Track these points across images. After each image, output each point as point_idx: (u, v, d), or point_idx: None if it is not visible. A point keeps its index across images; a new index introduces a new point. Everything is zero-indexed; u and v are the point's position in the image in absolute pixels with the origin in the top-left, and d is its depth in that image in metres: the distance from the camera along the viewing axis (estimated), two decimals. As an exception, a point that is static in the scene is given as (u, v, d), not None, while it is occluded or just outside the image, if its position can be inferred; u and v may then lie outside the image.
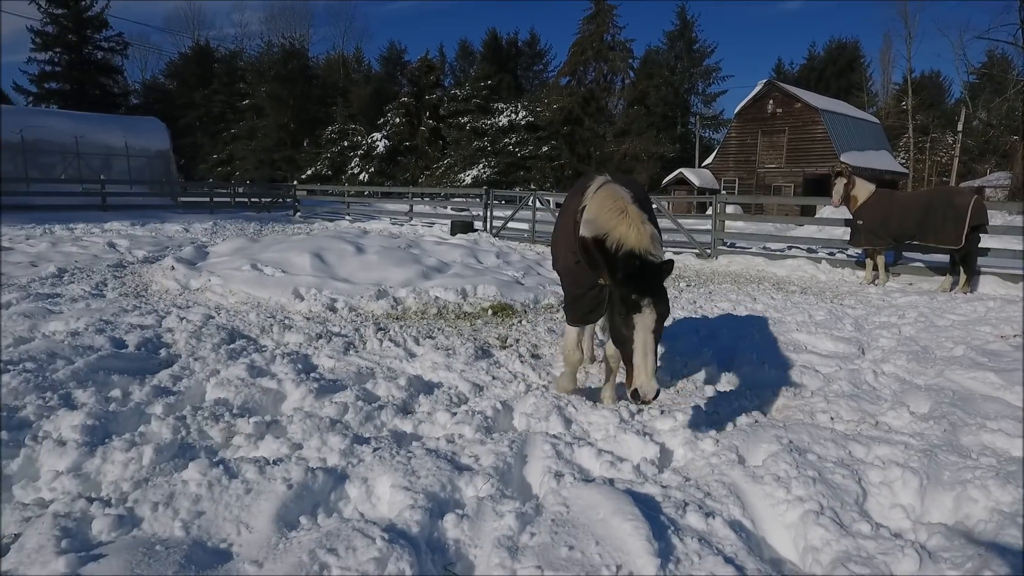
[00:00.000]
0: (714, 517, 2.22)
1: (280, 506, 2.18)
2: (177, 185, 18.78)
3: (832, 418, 3.38)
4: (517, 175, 54.26)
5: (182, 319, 4.93)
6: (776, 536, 2.26)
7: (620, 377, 3.34)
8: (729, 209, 26.22)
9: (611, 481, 2.47)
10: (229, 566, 1.88)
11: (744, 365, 4.25)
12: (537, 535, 2.04)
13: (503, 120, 54.97)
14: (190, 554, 1.88)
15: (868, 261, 9.34)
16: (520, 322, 5.80)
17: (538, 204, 14.20)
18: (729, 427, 3.18)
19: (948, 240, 8.30)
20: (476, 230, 15.04)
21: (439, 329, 5.32)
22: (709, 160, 29.66)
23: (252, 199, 20.71)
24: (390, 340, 4.71)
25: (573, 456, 2.74)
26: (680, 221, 12.10)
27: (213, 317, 5.24)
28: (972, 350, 4.93)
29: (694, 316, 6.28)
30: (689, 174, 27.78)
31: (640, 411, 3.35)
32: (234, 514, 2.13)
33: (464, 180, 54.38)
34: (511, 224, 14.91)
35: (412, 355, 4.38)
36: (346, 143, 65.49)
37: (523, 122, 54.55)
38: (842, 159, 24.51)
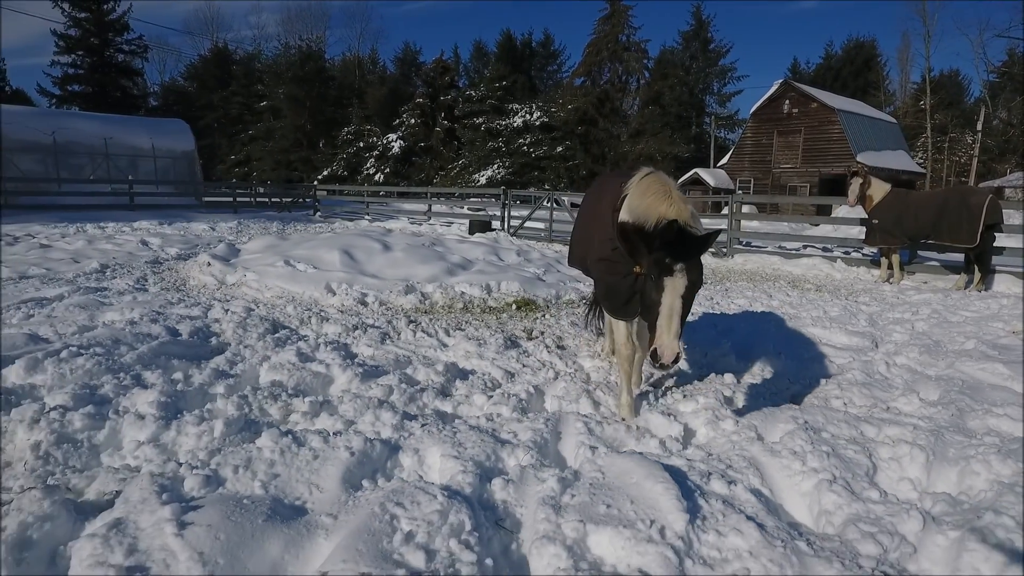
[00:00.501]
0: (736, 484, 2.45)
1: (345, 470, 2.44)
2: (201, 185, 19.22)
3: (845, 403, 3.58)
4: (531, 175, 54.45)
5: (226, 311, 5.23)
6: (792, 502, 2.48)
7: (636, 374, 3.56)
8: (745, 208, 26.30)
9: (640, 454, 2.70)
10: (307, 519, 2.13)
11: (761, 356, 4.46)
12: (577, 496, 2.28)
13: (518, 121, 55.19)
14: (273, 507, 2.14)
15: (883, 260, 9.48)
16: (544, 316, 6.04)
17: (555, 204, 14.41)
18: (746, 407, 3.40)
19: (963, 239, 8.42)
20: (494, 229, 15.29)
21: (467, 322, 5.57)
22: (724, 160, 29.69)
23: (272, 199, 21.13)
24: (423, 331, 4.97)
25: (603, 433, 2.98)
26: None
27: (253, 309, 5.53)
28: (983, 344, 5.09)
29: (712, 312, 6.48)
30: (704, 174, 27.84)
31: (664, 395, 3.58)
32: (305, 477, 2.39)
33: (479, 180, 54.67)
34: (528, 224, 15.15)
35: (445, 345, 4.63)
36: (362, 144, 66.04)
37: (538, 123, 54.74)
38: (858, 159, 24.48)
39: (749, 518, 2.18)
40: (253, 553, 1.91)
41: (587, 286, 7.68)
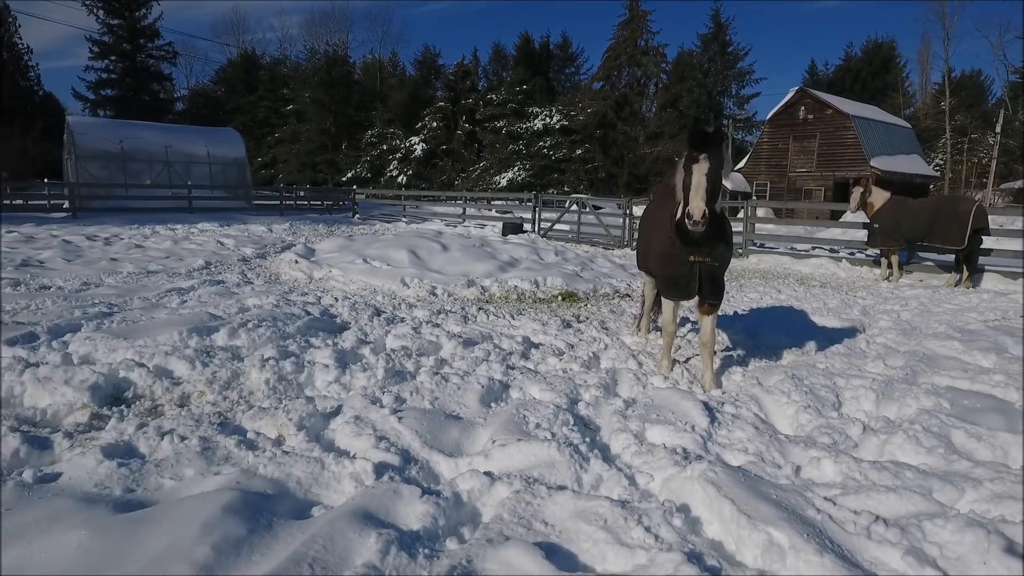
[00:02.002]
0: (740, 407, 3.64)
1: (480, 396, 3.67)
2: (251, 189, 20.68)
3: (827, 366, 4.75)
4: (551, 177, 55.59)
5: (335, 299, 6.51)
6: (779, 420, 3.66)
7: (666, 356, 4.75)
8: (760, 212, 27.23)
9: (676, 389, 3.90)
10: (466, 420, 3.37)
11: (766, 334, 5.63)
12: (635, 411, 3.49)
13: (538, 124, 56.36)
14: (443, 415, 3.38)
15: (883, 260, 10.55)
16: (586, 305, 7.25)
17: (581, 208, 15.58)
18: (752, 367, 4.59)
19: (953, 241, 9.48)
20: (525, 231, 16.52)
21: (524, 310, 6.80)
22: (741, 164, 30.65)
23: (313, 202, 22.58)
24: (493, 315, 6.20)
25: (647, 380, 4.18)
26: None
27: (349, 298, 6.81)
28: (952, 329, 6.22)
29: (728, 302, 7.64)
30: (721, 178, 28.86)
31: (689, 360, 4.77)
32: (455, 399, 3.63)
33: (500, 183, 55.94)
34: (556, 226, 16.35)
35: (514, 325, 5.86)
36: (385, 146, 67.63)
37: (557, 126, 55.88)
38: (872, 163, 25.34)
39: (749, 424, 3.39)
40: (445, 434, 3.15)
41: (618, 281, 8.87)
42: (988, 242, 10.05)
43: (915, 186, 29.84)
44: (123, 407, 3.46)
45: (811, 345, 5.38)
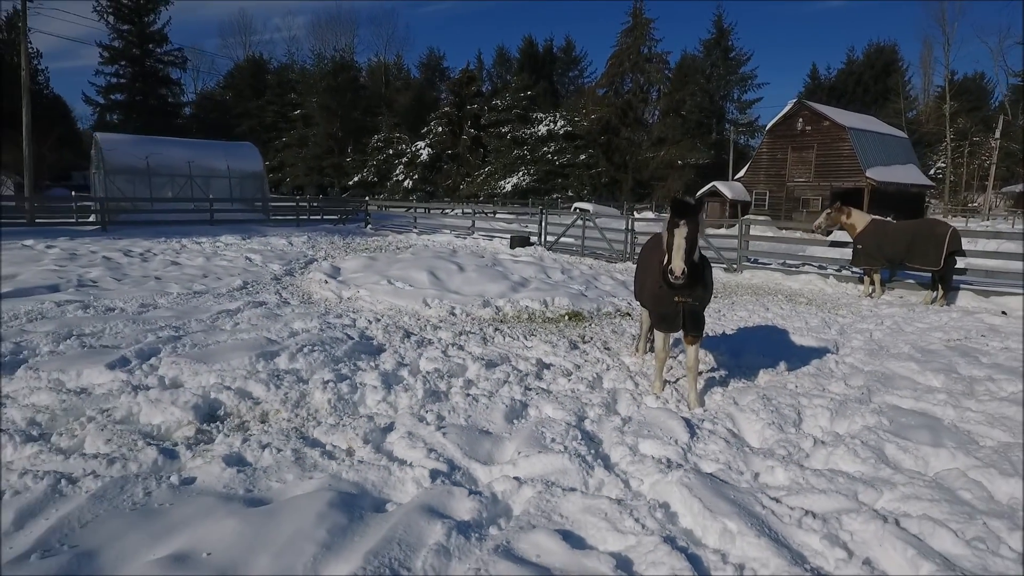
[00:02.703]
0: (717, 424, 4.47)
1: (504, 415, 4.50)
2: (269, 202, 21.58)
3: (796, 386, 5.57)
4: (555, 182, 56.45)
5: (368, 322, 7.36)
6: (748, 435, 4.49)
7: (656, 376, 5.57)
8: (754, 231, 27.94)
9: (664, 409, 4.73)
10: (495, 435, 4.20)
11: (748, 354, 6.45)
12: (631, 427, 4.33)
13: (542, 129, 57.23)
14: (476, 430, 4.21)
15: (866, 278, 11.36)
16: (590, 325, 8.08)
17: (588, 224, 16.41)
18: (731, 387, 5.42)
19: (930, 263, 10.28)
20: (532, 244, 17.36)
21: (536, 330, 7.63)
22: (741, 173, 31.44)
23: (327, 213, 23.48)
24: (508, 336, 7.04)
25: (642, 400, 5.01)
26: (712, 239, 14.17)
27: (380, 319, 7.65)
28: (915, 349, 7.04)
29: (718, 322, 8.46)
30: (722, 187, 29.62)
31: (677, 380, 5.59)
32: (484, 416, 4.46)
33: (504, 187, 56.82)
34: (562, 239, 17.18)
35: (528, 346, 6.69)
36: (391, 151, 68.56)
37: (561, 131, 56.73)
38: (868, 174, 26.11)
39: (722, 438, 4.22)
40: (479, 446, 3.99)
41: (619, 300, 9.70)
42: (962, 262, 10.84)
43: (911, 195, 30.60)
44: (218, 423, 4.31)
45: (785, 366, 6.20)
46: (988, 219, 53.39)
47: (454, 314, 8.35)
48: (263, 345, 5.87)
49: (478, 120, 64.21)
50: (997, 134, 55.84)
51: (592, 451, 3.97)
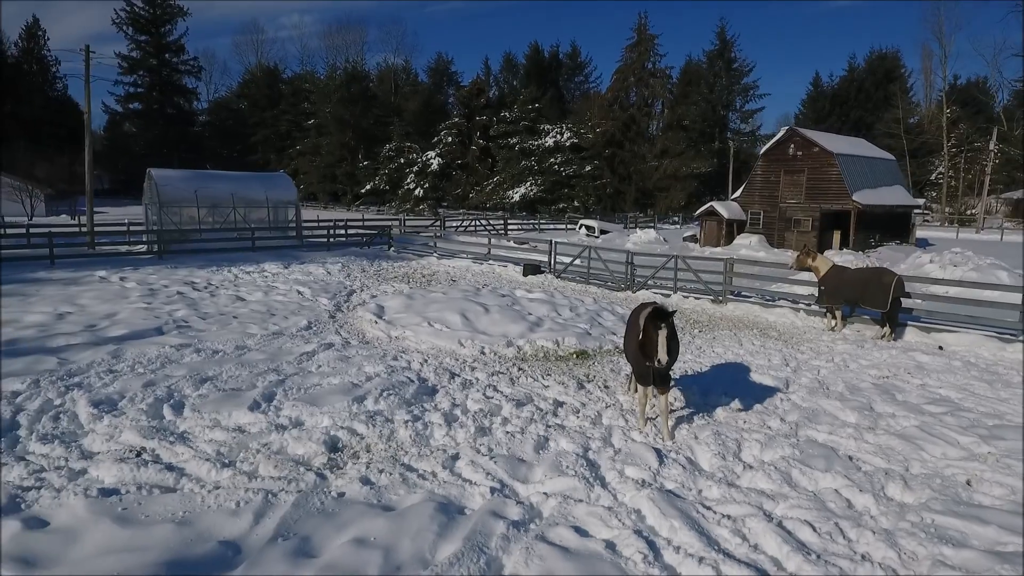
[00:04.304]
0: (679, 454, 6.50)
1: (533, 447, 6.54)
2: (303, 228, 23.72)
3: (744, 422, 7.58)
4: (562, 192, 58.45)
5: (420, 364, 9.41)
6: (702, 462, 6.50)
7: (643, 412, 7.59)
8: (753, 239, 29.83)
9: (644, 444, 6.76)
10: (527, 463, 6.24)
11: (713, 394, 8.46)
12: (619, 457, 6.36)
13: (549, 141, 59.20)
14: (515, 459, 6.25)
15: (828, 314, 13.36)
16: (593, 363, 10.11)
17: (593, 255, 18.42)
18: (695, 423, 7.44)
19: (879, 305, 12.26)
20: (543, 272, 19.40)
21: (550, 370, 9.66)
22: (737, 194, 33.36)
23: (350, 235, 25.61)
24: (530, 377, 9.08)
25: (629, 434, 7.03)
26: (701, 273, 16.14)
27: (428, 361, 9.70)
28: (847, 387, 9.05)
29: (697, 359, 10.46)
30: (719, 207, 31.57)
31: (655, 418, 7.62)
32: (518, 448, 6.50)
33: (512, 197, 58.85)
34: (571, 267, 19.21)
35: (546, 386, 8.72)
36: (402, 159, 70.69)
37: (568, 143, 58.71)
38: (854, 197, 28.04)
39: (681, 465, 6.25)
40: (518, 471, 6.03)
41: (618, 337, 11.72)
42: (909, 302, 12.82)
43: (897, 215, 32.49)
44: (340, 453, 6.36)
45: (740, 404, 8.20)
46: (982, 229, 55.07)
47: (484, 352, 10.39)
48: (350, 389, 7.94)
49: (487, 131, 66.22)
50: (991, 145, 57.50)
51: (593, 474, 6.01)
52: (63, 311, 12.45)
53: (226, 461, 6.03)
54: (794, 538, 4.97)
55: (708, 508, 5.42)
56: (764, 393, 8.74)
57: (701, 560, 4.60)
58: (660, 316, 6.52)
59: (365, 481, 5.70)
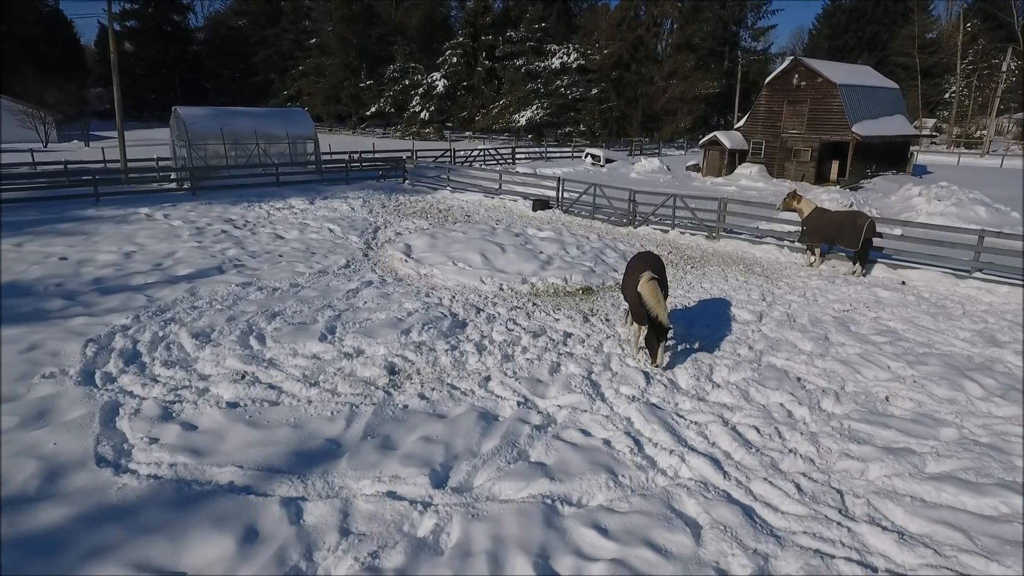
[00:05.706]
0: (663, 376, 8.28)
1: (548, 370, 8.30)
2: (322, 163, 24.89)
3: (719, 349, 9.31)
4: (568, 116, 58.34)
5: (451, 299, 11.09)
6: (680, 382, 8.25)
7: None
8: (754, 169, 30.89)
9: (637, 368, 8.51)
10: (544, 384, 8.01)
11: (697, 327, 10.16)
12: (616, 378, 8.14)
13: (556, 62, 58.46)
14: (535, 380, 8.03)
15: (808, 251, 14.91)
16: (596, 299, 11.77)
17: (598, 192, 19.72)
18: (679, 351, 9.18)
19: (851, 244, 13.77)
20: (551, 207, 20.77)
21: (559, 305, 11.33)
22: (740, 123, 33.93)
23: (365, 168, 26.80)
24: (543, 312, 10.77)
25: (624, 360, 8.78)
26: (698, 212, 17.51)
27: (456, 297, 11.37)
28: (810, 319, 10.74)
29: (686, 295, 12.10)
30: (722, 136, 32.30)
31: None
32: (537, 372, 8.26)
33: (519, 121, 58.84)
34: (578, 202, 20.57)
35: (556, 320, 10.41)
36: (407, 81, 69.85)
37: (574, 64, 58.00)
38: (854, 128, 28.77)
39: (664, 385, 8.03)
40: (536, 389, 7.82)
41: (619, 274, 13.33)
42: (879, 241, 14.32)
43: (896, 146, 33.15)
44: (397, 375, 8.13)
45: (719, 336, 9.92)
46: (987, 153, 55.31)
47: (502, 289, 12.05)
48: (396, 323, 9.66)
49: (493, 51, 65.11)
50: (1005, 65, 56.72)
51: (595, 392, 7.80)
52: (128, 250, 14.07)
53: (312, 382, 7.82)
54: (742, 438, 6.79)
55: (681, 416, 7.22)
56: (739, 326, 10.43)
57: (671, 452, 6.43)
58: (652, 268, 8.10)
59: (422, 396, 7.50)
